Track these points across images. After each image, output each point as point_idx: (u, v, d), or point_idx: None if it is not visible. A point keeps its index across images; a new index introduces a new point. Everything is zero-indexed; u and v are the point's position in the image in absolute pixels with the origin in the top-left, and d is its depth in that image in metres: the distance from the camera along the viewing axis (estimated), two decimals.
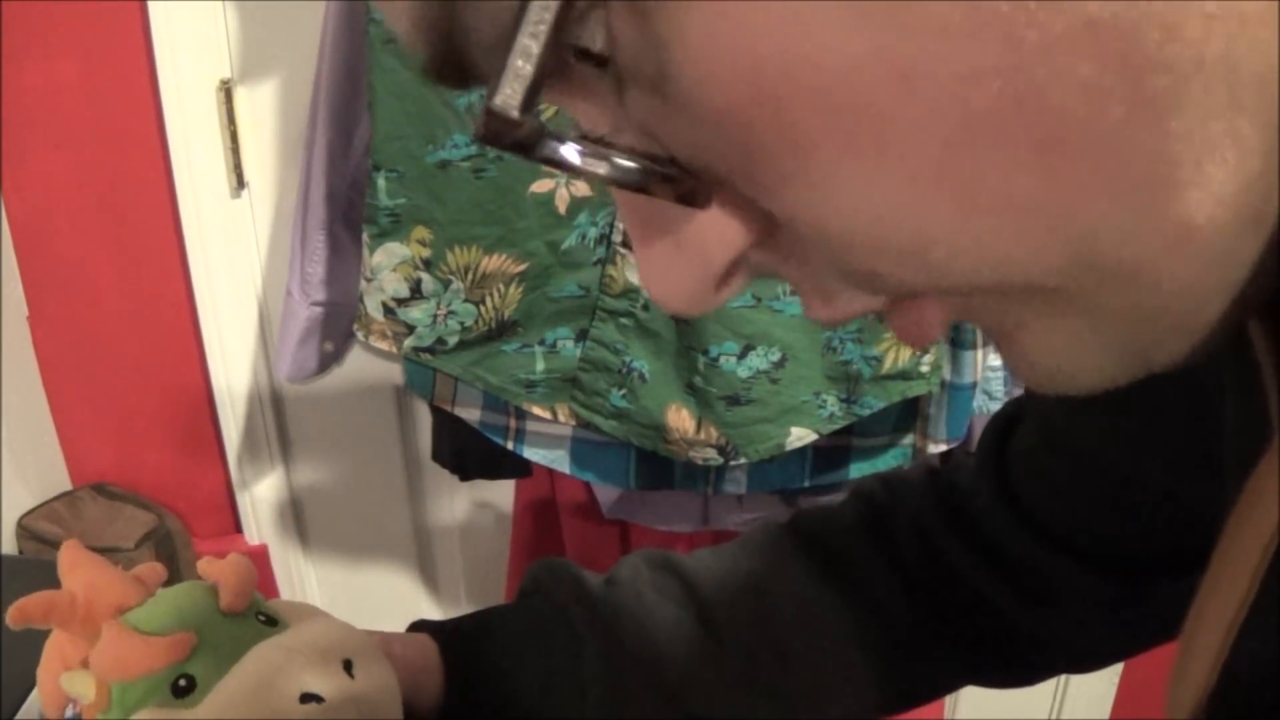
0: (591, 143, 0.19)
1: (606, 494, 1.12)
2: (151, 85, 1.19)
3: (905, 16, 0.16)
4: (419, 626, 0.46)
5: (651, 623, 0.46)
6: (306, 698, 0.38)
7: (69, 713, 0.39)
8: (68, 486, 1.44)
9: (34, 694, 0.83)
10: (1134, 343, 0.21)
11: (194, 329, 1.34)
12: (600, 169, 0.19)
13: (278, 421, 1.41)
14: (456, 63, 0.19)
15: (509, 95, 0.17)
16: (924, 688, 0.50)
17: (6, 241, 1.31)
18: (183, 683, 0.38)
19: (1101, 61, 0.16)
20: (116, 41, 1.19)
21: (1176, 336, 0.21)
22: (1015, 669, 0.50)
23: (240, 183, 1.23)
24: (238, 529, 1.48)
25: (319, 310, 1.10)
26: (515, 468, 1.16)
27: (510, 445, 1.07)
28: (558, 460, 1.07)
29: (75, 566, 0.40)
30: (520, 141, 0.17)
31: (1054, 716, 1.44)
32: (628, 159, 0.19)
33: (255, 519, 1.46)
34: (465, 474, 1.20)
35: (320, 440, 1.43)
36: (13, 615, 0.38)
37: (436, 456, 1.21)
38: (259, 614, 0.41)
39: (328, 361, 1.16)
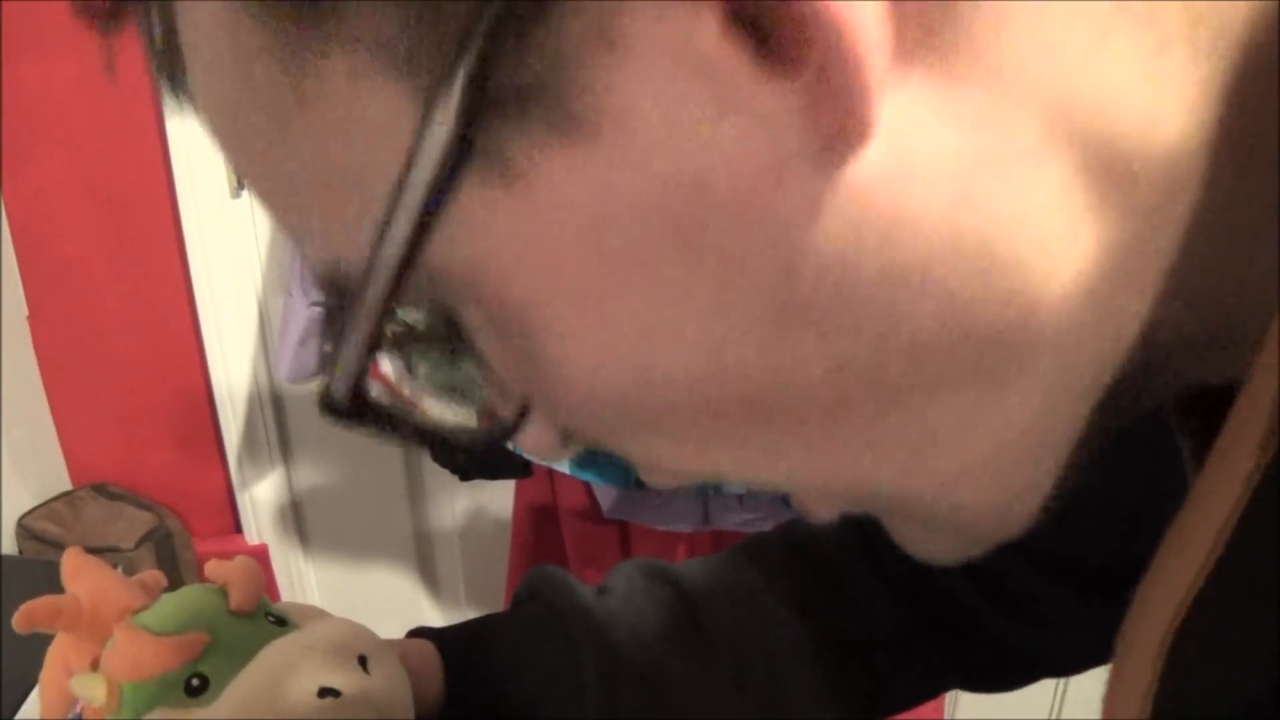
0: (400, 419, 0.21)
1: (606, 494, 1.12)
2: (151, 85, 1.19)
3: (650, 360, 0.19)
4: (418, 633, 0.47)
5: (646, 630, 0.47)
6: (324, 692, 0.38)
7: (70, 715, 0.39)
8: (68, 486, 1.44)
9: (34, 694, 0.83)
10: (963, 538, 0.24)
11: (194, 329, 1.34)
12: (413, 439, 0.22)
13: (278, 421, 1.41)
14: None
15: (340, 384, 0.19)
16: (910, 693, 0.51)
17: (6, 241, 1.31)
18: (195, 682, 0.38)
19: (839, 383, 0.19)
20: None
21: (1003, 530, 0.24)
22: (998, 676, 0.50)
23: (240, 183, 1.23)
24: (238, 529, 1.48)
25: (319, 310, 1.10)
26: (515, 468, 1.16)
27: (510, 445, 1.07)
28: (557, 460, 1.07)
29: (79, 571, 0.40)
30: (350, 419, 0.20)
31: (1054, 717, 1.44)
32: (436, 429, 0.22)
33: (255, 519, 1.46)
34: (465, 474, 1.20)
35: (320, 440, 1.43)
36: (19, 620, 0.38)
37: (436, 456, 1.21)
38: (268, 615, 0.41)
39: (328, 362, 1.16)
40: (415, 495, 1.48)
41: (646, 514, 1.14)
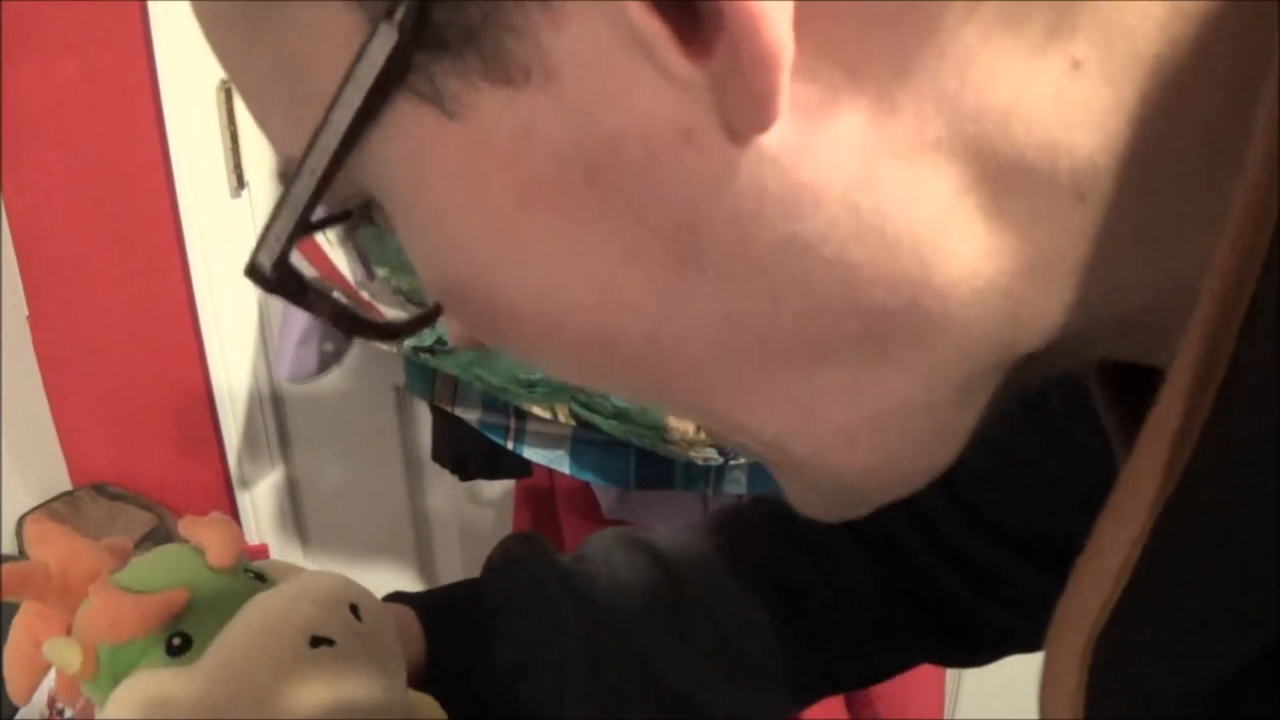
0: (325, 296, 0.24)
1: (606, 494, 1.12)
2: (151, 85, 1.19)
3: (552, 287, 0.20)
4: (395, 598, 0.47)
5: (625, 598, 0.47)
6: (317, 641, 0.36)
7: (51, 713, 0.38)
8: (68, 486, 1.44)
9: (34, 694, 0.83)
10: (840, 497, 0.26)
11: (194, 329, 1.34)
12: (325, 316, 0.24)
13: (278, 421, 1.41)
14: None
15: (265, 256, 0.21)
16: (887, 664, 0.52)
17: (6, 241, 1.31)
18: (177, 641, 0.36)
19: (731, 334, 0.20)
20: (116, 41, 1.19)
21: (879, 495, 0.25)
22: (971, 651, 0.51)
23: (240, 183, 1.23)
24: None
25: None
26: (515, 468, 1.16)
27: (510, 445, 1.07)
28: (558, 460, 1.07)
29: (45, 539, 0.38)
30: (271, 288, 0.22)
31: None
32: (349, 312, 0.24)
33: (255, 519, 1.46)
34: (465, 474, 1.20)
35: (320, 440, 1.43)
36: None
37: (436, 456, 1.21)
38: (247, 571, 0.40)
39: (328, 361, 1.16)
40: (415, 495, 1.48)
41: (646, 514, 1.14)
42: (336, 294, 0.24)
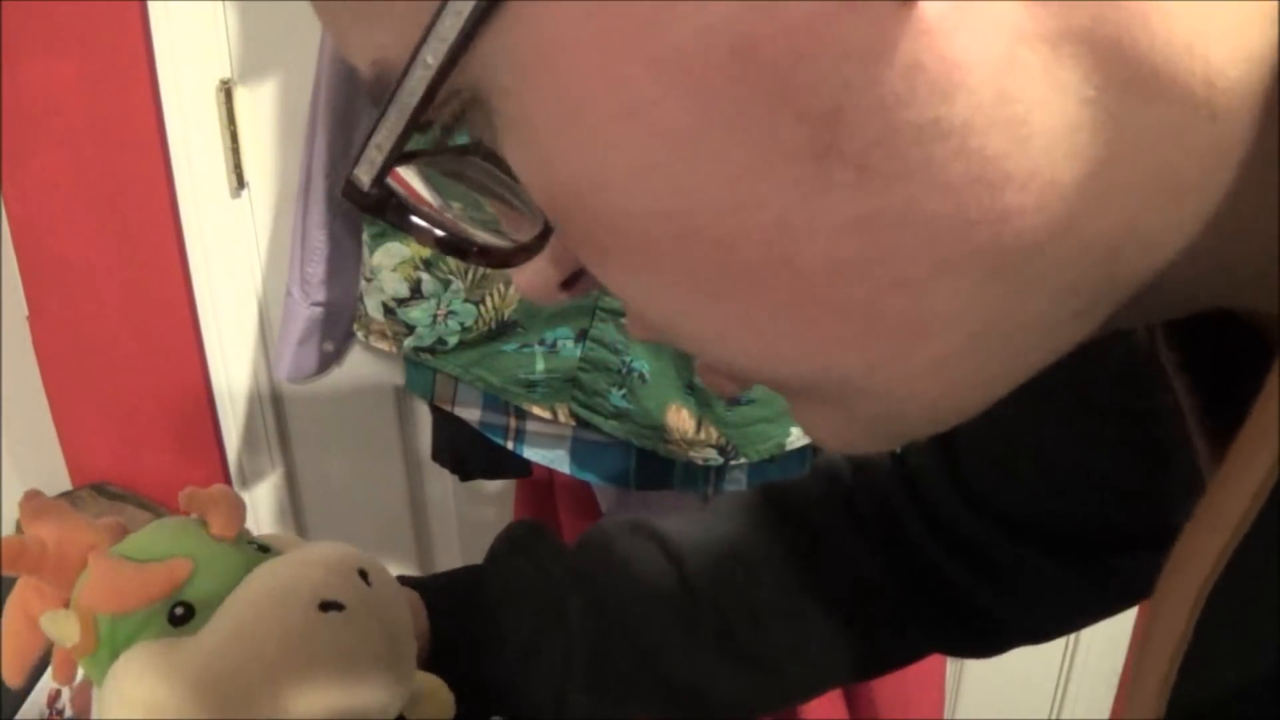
0: (428, 218, 0.22)
1: (606, 494, 1.12)
2: (151, 85, 1.19)
3: (685, 189, 0.19)
4: (399, 581, 0.46)
5: (629, 584, 0.47)
6: (327, 606, 0.35)
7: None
8: (68, 486, 1.44)
9: (34, 694, 0.83)
10: (884, 429, 0.25)
11: (194, 329, 1.34)
12: (428, 239, 0.22)
13: (278, 421, 1.41)
14: None
15: (363, 171, 0.20)
16: (891, 654, 0.52)
17: (6, 241, 1.31)
18: (180, 611, 0.34)
19: (858, 239, 0.19)
20: (116, 41, 1.19)
21: (933, 425, 0.24)
22: (974, 640, 0.51)
23: (240, 183, 1.23)
24: None
25: (319, 310, 1.10)
26: (515, 468, 1.15)
27: (510, 445, 1.07)
28: (558, 460, 1.07)
29: (41, 513, 0.37)
30: (369, 207, 0.21)
31: (1054, 717, 1.44)
32: (454, 234, 0.23)
33: (255, 518, 1.46)
34: (465, 474, 1.20)
35: (320, 440, 1.43)
36: None
37: (436, 456, 1.21)
38: (250, 542, 0.39)
39: (328, 361, 1.16)
40: (415, 496, 1.48)
41: (646, 514, 1.14)
42: (437, 217, 0.23)
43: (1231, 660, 0.21)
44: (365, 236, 0.97)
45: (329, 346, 1.14)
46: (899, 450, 0.51)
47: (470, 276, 0.96)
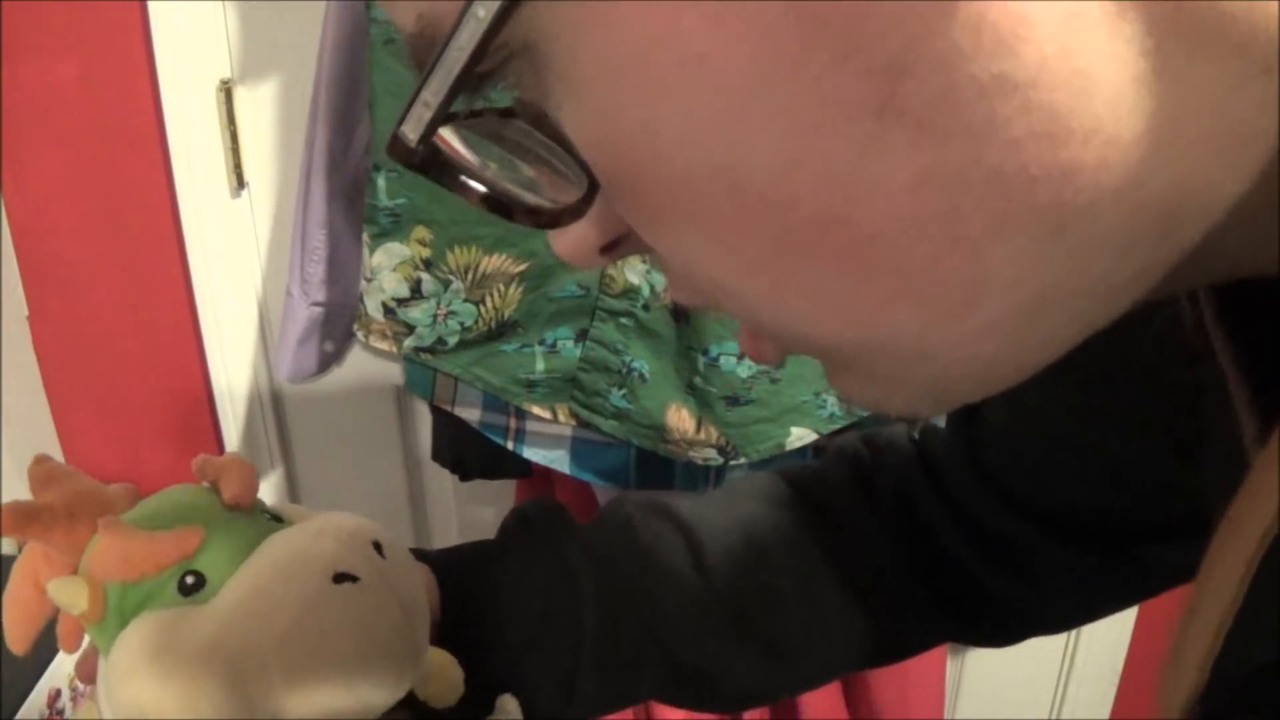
0: (475, 176, 0.22)
1: (606, 494, 1.12)
2: (151, 85, 1.19)
3: (740, 145, 0.19)
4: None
5: (643, 563, 0.46)
6: (341, 578, 0.34)
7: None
8: None
9: (34, 694, 0.83)
10: (933, 394, 0.24)
11: (194, 329, 1.33)
12: (475, 198, 0.22)
13: (278, 421, 1.41)
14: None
15: (410, 127, 0.20)
16: (906, 641, 0.51)
17: (6, 241, 1.31)
18: (191, 580, 0.34)
19: (917, 197, 0.18)
20: (116, 41, 1.19)
21: (980, 391, 0.24)
22: (990, 629, 0.51)
23: (240, 183, 1.23)
24: None
25: (319, 310, 1.10)
26: (515, 468, 1.15)
27: (510, 445, 1.07)
28: (558, 460, 1.07)
29: (52, 478, 0.36)
30: (416, 164, 0.21)
31: (1054, 716, 1.44)
32: (501, 194, 0.23)
33: None
34: (465, 474, 1.20)
35: (320, 440, 1.43)
36: None
37: (436, 456, 1.21)
38: (263, 512, 0.38)
39: (328, 361, 1.16)
40: (415, 496, 1.48)
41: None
42: (486, 176, 0.22)
43: (1277, 631, 0.21)
44: (365, 236, 0.97)
45: (329, 346, 1.14)
46: (918, 434, 0.51)
47: (470, 277, 0.96)
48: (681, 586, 0.46)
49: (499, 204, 0.23)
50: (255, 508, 0.37)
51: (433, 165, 0.21)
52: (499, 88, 0.22)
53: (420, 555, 0.45)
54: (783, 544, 0.48)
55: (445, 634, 0.43)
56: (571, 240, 0.25)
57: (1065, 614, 0.49)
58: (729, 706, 0.48)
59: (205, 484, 0.38)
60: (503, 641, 0.44)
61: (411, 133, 0.20)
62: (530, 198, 0.24)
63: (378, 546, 0.37)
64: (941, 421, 0.50)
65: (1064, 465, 0.43)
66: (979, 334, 0.21)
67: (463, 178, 0.22)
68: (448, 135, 0.22)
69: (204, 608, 0.33)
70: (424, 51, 0.20)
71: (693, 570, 0.46)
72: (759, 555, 0.47)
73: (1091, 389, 0.39)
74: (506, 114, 0.23)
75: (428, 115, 0.20)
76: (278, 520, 0.38)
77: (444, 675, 0.40)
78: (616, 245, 0.25)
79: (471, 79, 0.19)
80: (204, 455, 0.38)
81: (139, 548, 0.34)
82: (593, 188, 0.23)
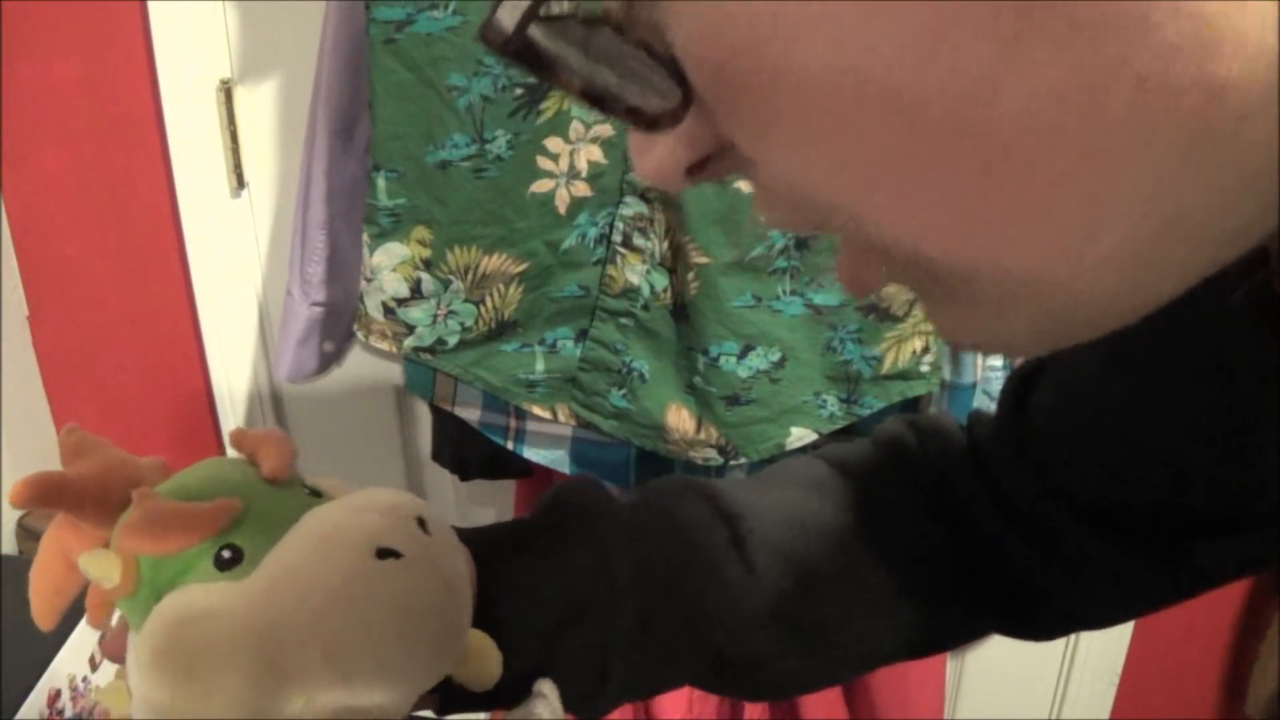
0: (570, 70, 0.21)
1: None
2: (151, 85, 1.19)
3: (869, 41, 0.18)
4: None
5: (681, 546, 0.45)
6: (384, 553, 0.33)
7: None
8: None
9: (34, 694, 0.83)
10: (1043, 331, 0.23)
11: (194, 329, 1.33)
12: (576, 89, 0.21)
13: (278, 421, 1.41)
14: None
15: (507, 13, 0.19)
16: (950, 632, 0.50)
17: (6, 241, 1.31)
18: (227, 554, 0.32)
19: (1057, 103, 0.17)
20: (116, 41, 1.19)
21: (1088, 330, 0.22)
22: (1032, 622, 0.49)
23: (240, 183, 1.23)
24: None
25: (319, 310, 1.10)
26: (515, 468, 1.16)
27: (510, 445, 1.07)
28: (558, 460, 1.07)
29: (82, 449, 0.35)
30: (510, 53, 0.20)
31: (1054, 716, 1.44)
32: (601, 88, 0.21)
33: None
34: (465, 474, 1.20)
35: (320, 440, 1.43)
36: (15, 494, 0.31)
37: (436, 456, 1.21)
38: (303, 486, 0.37)
39: (328, 361, 1.16)
40: (415, 495, 1.48)
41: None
42: (584, 68, 0.22)
43: None
44: (365, 236, 0.97)
45: (329, 346, 1.14)
46: (967, 421, 0.50)
47: (470, 277, 0.96)
48: (722, 572, 0.45)
49: (599, 99, 0.22)
50: (294, 481, 0.36)
51: (529, 55, 0.20)
52: None
53: (455, 532, 0.44)
54: (825, 531, 0.46)
55: (477, 614, 0.42)
56: (658, 157, 0.23)
57: (1109, 610, 0.48)
58: (769, 695, 0.47)
59: (242, 457, 0.36)
60: (536, 621, 0.42)
61: (507, 19, 0.19)
62: (630, 97, 0.22)
63: (421, 523, 0.35)
64: (993, 408, 0.49)
65: (1117, 457, 0.41)
66: (1101, 263, 0.20)
67: (560, 70, 0.21)
68: (536, 35, 0.21)
69: (241, 582, 0.32)
70: None
71: (732, 554, 0.45)
72: (801, 541, 0.46)
73: (1151, 379, 0.38)
74: (593, 23, 0.22)
75: (525, 3, 0.19)
76: (316, 495, 0.36)
77: (483, 656, 0.38)
78: (705, 165, 0.24)
79: None
80: (241, 428, 0.37)
81: (173, 519, 0.32)
82: (685, 101, 0.22)
